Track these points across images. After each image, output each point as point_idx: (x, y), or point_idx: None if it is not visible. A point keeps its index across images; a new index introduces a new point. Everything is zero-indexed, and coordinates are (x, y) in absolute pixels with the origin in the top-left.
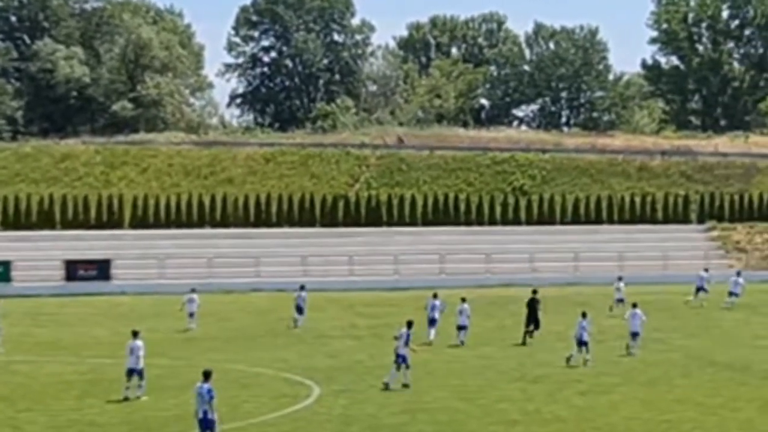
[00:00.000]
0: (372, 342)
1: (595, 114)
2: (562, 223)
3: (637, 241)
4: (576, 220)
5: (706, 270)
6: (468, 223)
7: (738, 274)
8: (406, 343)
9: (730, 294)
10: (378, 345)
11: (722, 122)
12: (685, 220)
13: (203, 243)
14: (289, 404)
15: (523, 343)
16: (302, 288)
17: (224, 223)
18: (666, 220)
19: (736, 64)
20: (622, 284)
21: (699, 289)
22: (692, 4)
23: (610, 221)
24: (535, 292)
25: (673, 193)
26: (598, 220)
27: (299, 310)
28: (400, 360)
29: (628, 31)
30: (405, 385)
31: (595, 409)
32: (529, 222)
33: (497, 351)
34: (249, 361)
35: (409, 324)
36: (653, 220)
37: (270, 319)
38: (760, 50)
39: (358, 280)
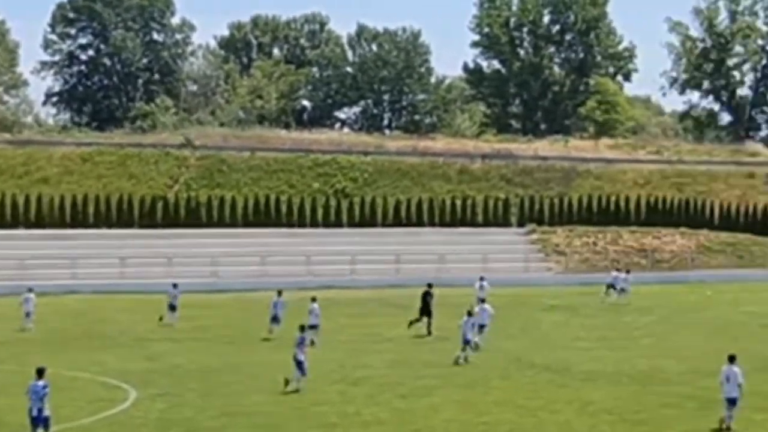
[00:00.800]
0: (191, 345)
1: (417, 117)
2: (384, 225)
3: (458, 244)
4: (397, 223)
5: (618, 270)
6: (289, 224)
7: (627, 272)
8: (301, 347)
9: (622, 290)
10: (197, 348)
11: (542, 126)
12: (505, 223)
13: (17, 244)
14: (105, 408)
15: (429, 333)
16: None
17: (39, 224)
18: (486, 223)
19: (556, 69)
20: (485, 283)
21: (611, 286)
22: (514, 8)
23: (431, 224)
24: (429, 285)
25: (494, 196)
26: (419, 223)
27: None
28: (298, 366)
29: (451, 34)
30: (296, 390)
31: (415, 411)
32: (351, 224)
33: (317, 353)
34: (65, 365)
35: (302, 327)
36: (473, 223)
37: (86, 321)
38: (581, 55)
39: (177, 281)
